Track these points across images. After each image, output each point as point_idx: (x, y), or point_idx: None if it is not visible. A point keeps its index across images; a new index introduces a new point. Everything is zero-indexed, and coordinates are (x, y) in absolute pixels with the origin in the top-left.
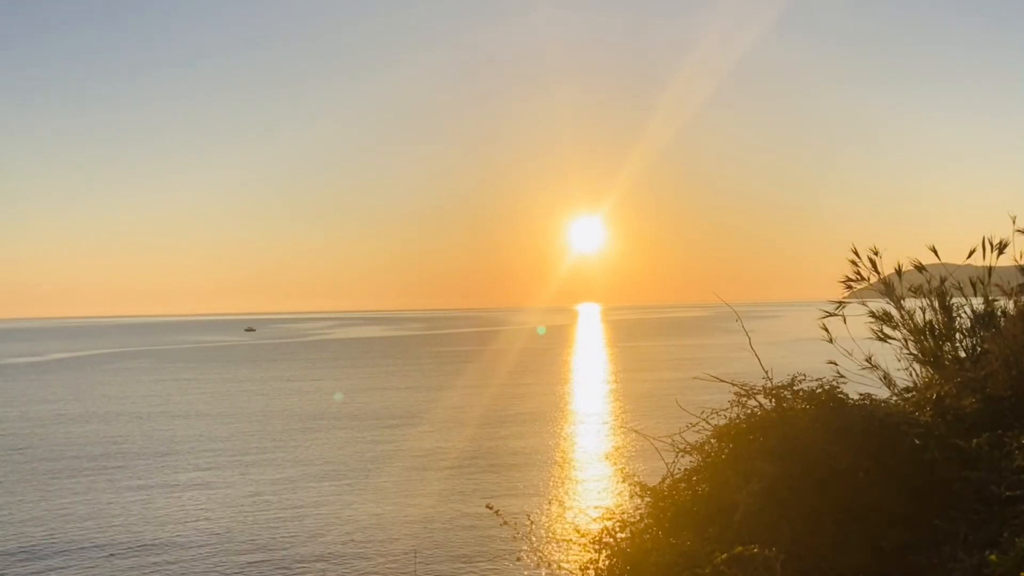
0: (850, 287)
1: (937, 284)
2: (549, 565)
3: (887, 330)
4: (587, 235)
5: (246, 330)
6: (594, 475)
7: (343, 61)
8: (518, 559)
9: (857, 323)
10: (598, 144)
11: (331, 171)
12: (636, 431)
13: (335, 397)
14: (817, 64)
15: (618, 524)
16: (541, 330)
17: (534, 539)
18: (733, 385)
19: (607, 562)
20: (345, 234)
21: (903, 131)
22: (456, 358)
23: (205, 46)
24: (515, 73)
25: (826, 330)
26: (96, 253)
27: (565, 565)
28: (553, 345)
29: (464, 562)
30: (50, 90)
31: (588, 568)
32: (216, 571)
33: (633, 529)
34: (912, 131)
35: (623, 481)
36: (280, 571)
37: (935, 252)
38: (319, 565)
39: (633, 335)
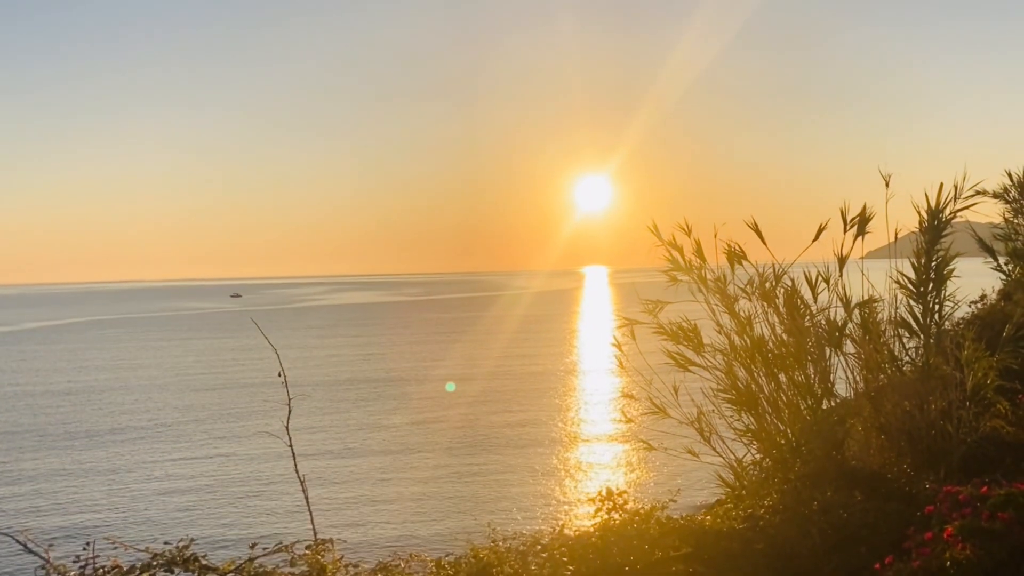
0: (674, 278)
1: (770, 280)
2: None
3: (690, 354)
4: (593, 194)
5: (232, 296)
6: (595, 458)
7: (334, 9)
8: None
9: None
10: (605, 98)
11: (323, 129)
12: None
13: (447, 387)
14: (833, 17)
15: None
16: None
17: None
18: None
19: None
20: (338, 195)
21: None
22: (453, 325)
23: None
24: (518, 21)
25: (619, 348)
26: (72, 215)
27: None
28: (559, 312)
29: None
30: (18, 51)
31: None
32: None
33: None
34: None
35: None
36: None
37: (760, 233)
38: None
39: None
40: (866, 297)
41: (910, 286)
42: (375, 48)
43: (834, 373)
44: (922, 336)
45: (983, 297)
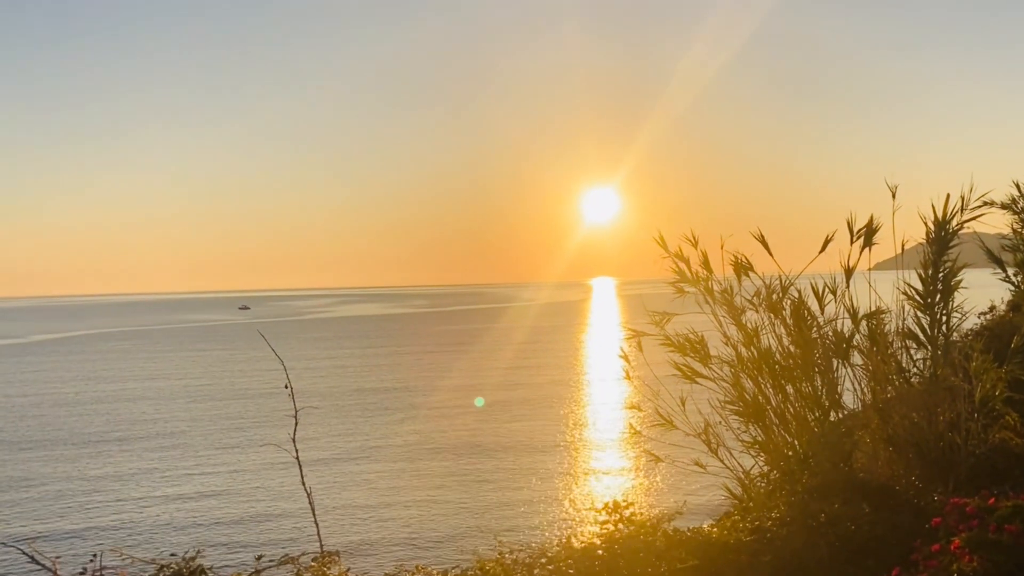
0: (680, 289)
1: (777, 292)
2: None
3: (697, 366)
4: (600, 206)
5: (240, 308)
6: (601, 465)
7: (338, 19)
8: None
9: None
10: (612, 109)
11: (329, 139)
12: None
13: (477, 402)
14: (840, 27)
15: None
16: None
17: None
18: None
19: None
20: (344, 206)
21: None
22: (460, 337)
23: (195, 3)
24: (524, 33)
25: (626, 359)
26: (81, 228)
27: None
28: (566, 324)
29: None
30: (29, 64)
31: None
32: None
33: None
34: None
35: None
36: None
37: (766, 244)
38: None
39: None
40: (873, 308)
41: (917, 297)
42: (380, 58)
43: (841, 385)
44: (930, 347)
45: (991, 308)
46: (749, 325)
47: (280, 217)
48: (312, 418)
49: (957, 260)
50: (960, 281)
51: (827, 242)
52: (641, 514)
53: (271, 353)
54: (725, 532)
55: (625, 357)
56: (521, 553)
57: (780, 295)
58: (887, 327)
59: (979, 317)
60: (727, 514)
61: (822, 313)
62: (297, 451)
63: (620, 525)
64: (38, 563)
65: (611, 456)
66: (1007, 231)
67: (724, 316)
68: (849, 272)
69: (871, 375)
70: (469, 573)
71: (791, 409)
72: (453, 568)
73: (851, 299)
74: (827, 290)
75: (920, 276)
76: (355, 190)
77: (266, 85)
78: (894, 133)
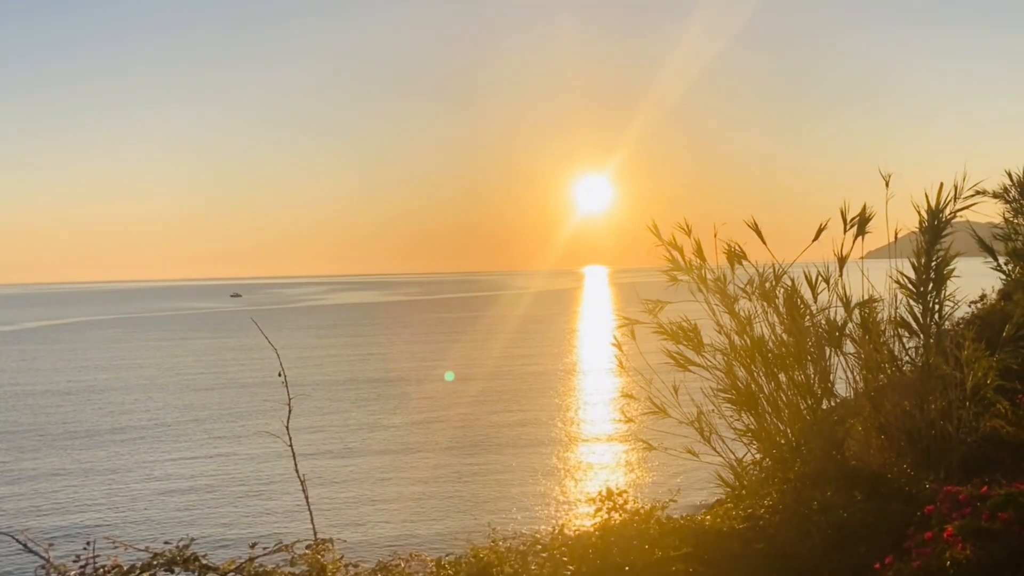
0: (674, 278)
1: (770, 280)
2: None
3: (690, 354)
4: (593, 194)
5: (231, 296)
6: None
7: (332, 8)
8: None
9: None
10: (605, 97)
11: (321, 128)
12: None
13: (447, 377)
14: (835, 18)
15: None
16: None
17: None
18: None
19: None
20: (337, 194)
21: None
22: (453, 325)
23: None
24: (518, 21)
25: (619, 348)
26: (71, 215)
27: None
28: (559, 312)
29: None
30: (19, 51)
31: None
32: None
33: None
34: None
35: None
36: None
37: (759, 233)
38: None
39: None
40: (866, 297)
41: (910, 286)
42: (374, 47)
43: (834, 373)
44: (922, 336)
45: (983, 297)
46: (742, 313)
47: (272, 205)
48: (305, 407)
49: (949, 249)
50: (952, 270)
51: (820, 231)
52: (634, 502)
53: (263, 341)
54: (718, 520)
55: (618, 345)
56: (515, 541)
57: (773, 283)
58: (880, 315)
59: (970, 306)
60: (720, 502)
61: (815, 301)
62: (291, 439)
63: (613, 513)
64: (31, 551)
65: (604, 444)
66: (999, 220)
67: (717, 304)
68: (842, 261)
69: (863, 363)
70: (463, 560)
71: (784, 397)
72: (447, 555)
73: (844, 287)
74: (820, 278)
75: (913, 265)
76: (348, 178)
77: (259, 74)
78: (887, 123)
